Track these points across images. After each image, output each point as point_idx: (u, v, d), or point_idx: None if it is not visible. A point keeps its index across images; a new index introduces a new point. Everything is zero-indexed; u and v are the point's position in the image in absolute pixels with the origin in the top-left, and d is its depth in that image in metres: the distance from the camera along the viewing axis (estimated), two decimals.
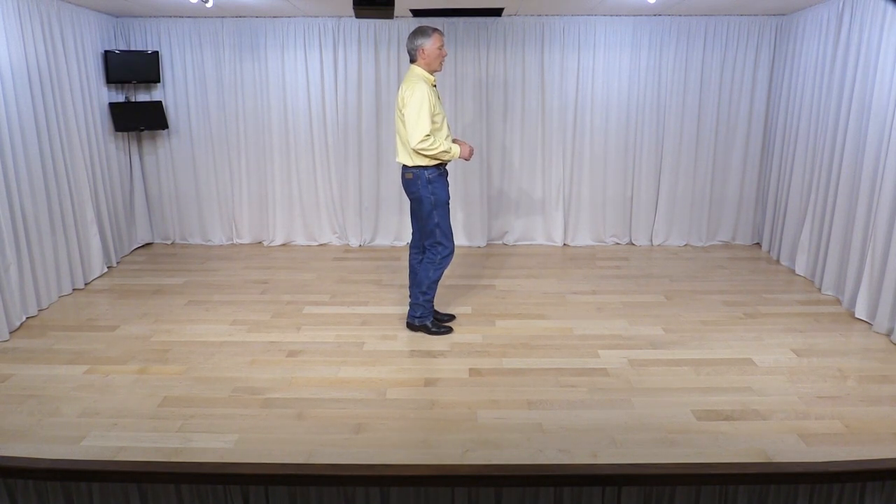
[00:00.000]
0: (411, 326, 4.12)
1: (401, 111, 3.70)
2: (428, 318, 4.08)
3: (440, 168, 3.83)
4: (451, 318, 4.27)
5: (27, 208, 4.33)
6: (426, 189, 3.78)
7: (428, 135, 3.61)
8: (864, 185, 4.29)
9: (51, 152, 4.60)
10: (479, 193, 6.10)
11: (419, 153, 3.69)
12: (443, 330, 4.08)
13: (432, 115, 3.64)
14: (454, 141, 3.87)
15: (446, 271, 5.31)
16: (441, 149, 3.68)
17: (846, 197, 4.55)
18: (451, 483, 2.05)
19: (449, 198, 3.90)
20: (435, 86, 3.77)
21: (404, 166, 3.83)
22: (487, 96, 5.93)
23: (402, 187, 3.94)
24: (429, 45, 3.68)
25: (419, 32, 3.69)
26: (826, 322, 4.25)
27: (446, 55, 3.82)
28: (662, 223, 6.17)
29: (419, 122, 3.59)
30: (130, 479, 2.04)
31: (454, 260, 5.69)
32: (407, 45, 3.75)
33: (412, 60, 3.76)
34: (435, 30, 3.70)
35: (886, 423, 3.01)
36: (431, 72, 3.75)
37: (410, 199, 3.92)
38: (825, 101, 4.86)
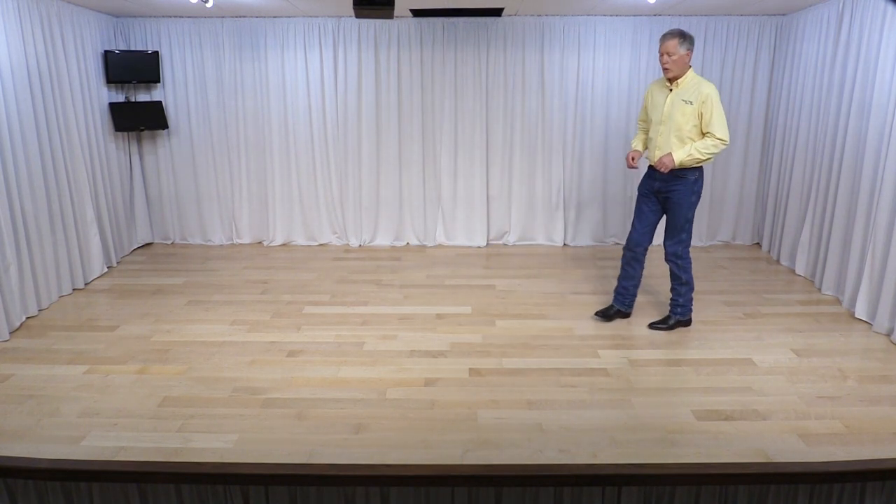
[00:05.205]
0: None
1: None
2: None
3: (700, 170, 3.94)
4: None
5: (27, 208, 4.33)
6: (691, 188, 3.91)
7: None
8: (864, 185, 4.29)
9: (51, 152, 4.60)
10: (480, 193, 6.11)
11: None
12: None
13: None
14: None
15: (450, 271, 5.36)
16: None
17: (846, 197, 4.55)
18: (451, 483, 2.05)
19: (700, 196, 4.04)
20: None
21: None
22: (487, 96, 5.92)
23: (661, 182, 3.99)
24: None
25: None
26: (826, 322, 4.25)
27: (664, 65, 3.89)
28: (663, 223, 6.15)
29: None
30: (130, 479, 2.04)
31: (454, 259, 5.73)
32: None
33: None
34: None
35: (886, 423, 3.01)
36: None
37: (669, 196, 3.99)
38: (825, 101, 4.86)
